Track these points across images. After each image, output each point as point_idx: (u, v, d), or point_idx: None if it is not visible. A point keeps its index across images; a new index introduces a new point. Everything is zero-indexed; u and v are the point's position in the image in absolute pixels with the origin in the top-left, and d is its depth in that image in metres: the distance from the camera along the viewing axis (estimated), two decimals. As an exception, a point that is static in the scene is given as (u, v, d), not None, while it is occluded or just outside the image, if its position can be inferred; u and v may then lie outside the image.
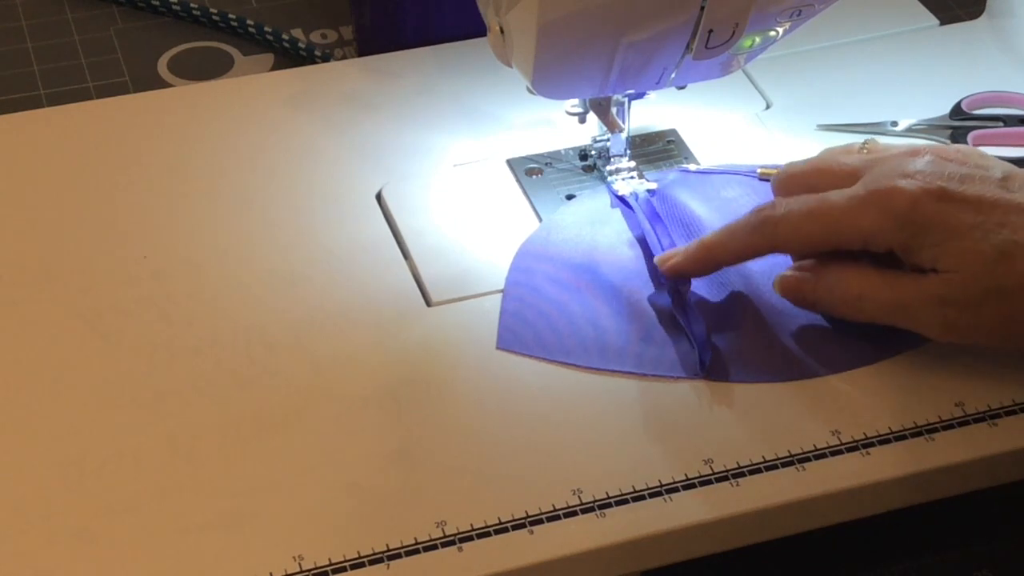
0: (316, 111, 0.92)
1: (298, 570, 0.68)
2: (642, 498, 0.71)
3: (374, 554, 0.68)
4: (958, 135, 0.89)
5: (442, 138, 0.90)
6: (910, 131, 0.90)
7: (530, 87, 0.80)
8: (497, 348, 0.77)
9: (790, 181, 0.79)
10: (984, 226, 0.72)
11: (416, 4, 0.97)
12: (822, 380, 0.76)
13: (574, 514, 0.70)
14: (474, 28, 0.86)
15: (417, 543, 0.69)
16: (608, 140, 0.87)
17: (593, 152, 0.88)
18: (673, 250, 0.79)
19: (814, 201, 0.75)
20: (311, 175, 0.88)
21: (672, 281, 0.79)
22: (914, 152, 0.76)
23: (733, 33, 0.77)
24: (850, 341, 0.77)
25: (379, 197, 0.86)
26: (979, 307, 0.72)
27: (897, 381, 0.76)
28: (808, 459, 0.72)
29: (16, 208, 0.86)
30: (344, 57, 1.01)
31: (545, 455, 0.72)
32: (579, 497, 0.71)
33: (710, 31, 0.76)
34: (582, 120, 0.85)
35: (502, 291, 0.80)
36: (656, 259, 0.79)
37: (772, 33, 0.80)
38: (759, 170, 0.87)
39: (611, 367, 0.76)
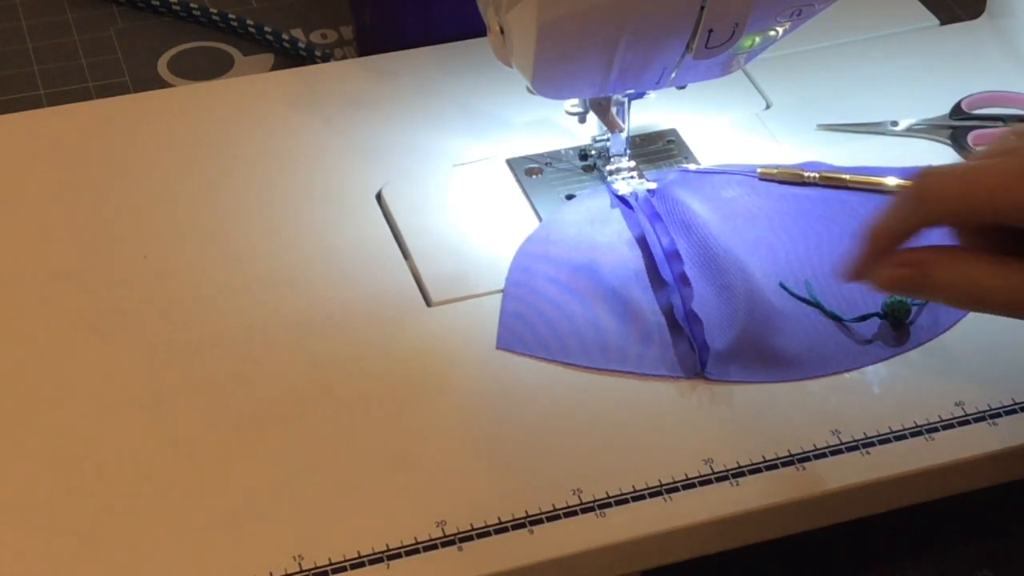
0: (316, 111, 0.92)
1: (298, 570, 0.68)
2: (642, 498, 0.71)
3: (374, 554, 0.68)
4: (958, 135, 0.90)
5: (442, 138, 0.90)
6: (910, 131, 0.90)
7: (530, 87, 0.80)
8: (497, 348, 0.78)
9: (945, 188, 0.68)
10: None
11: (416, 4, 0.97)
12: (822, 380, 0.76)
13: (574, 514, 0.70)
14: (474, 28, 0.86)
15: (417, 543, 0.69)
16: (608, 140, 0.87)
17: (593, 152, 0.88)
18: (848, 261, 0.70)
19: (979, 165, 0.67)
20: (311, 175, 0.88)
21: (673, 284, 0.79)
22: None
23: (733, 33, 0.77)
24: (850, 342, 0.77)
25: (379, 197, 0.86)
26: None
27: (897, 381, 0.76)
28: (808, 459, 0.72)
29: (16, 208, 0.86)
30: (344, 57, 1.01)
31: (545, 455, 0.72)
32: (579, 497, 0.71)
33: (710, 31, 0.76)
34: (582, 120, 0.85)
35: (502, 291, 0.80)
36: (842, 277, 0.70)
37: (772, 33, 0.80)
38: (759, 170, 0.87)
39: (611, 367, 0.76)
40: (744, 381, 0.76)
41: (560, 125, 0.89)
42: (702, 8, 0.75)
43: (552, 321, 0.78)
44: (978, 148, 0.72)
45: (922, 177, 0.67)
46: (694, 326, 0.77)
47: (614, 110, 0.84)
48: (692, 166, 0.88)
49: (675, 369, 0.76)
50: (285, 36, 1.02)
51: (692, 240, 0.82)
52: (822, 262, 0.82)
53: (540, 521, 0.70)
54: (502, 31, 0.78)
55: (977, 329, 0.78)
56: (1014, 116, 0.90)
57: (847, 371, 0.76)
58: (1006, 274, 0.67)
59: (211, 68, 1.01)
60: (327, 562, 0.68)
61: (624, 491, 0.71)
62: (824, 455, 0.73)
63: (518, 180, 0.87)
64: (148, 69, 1.00)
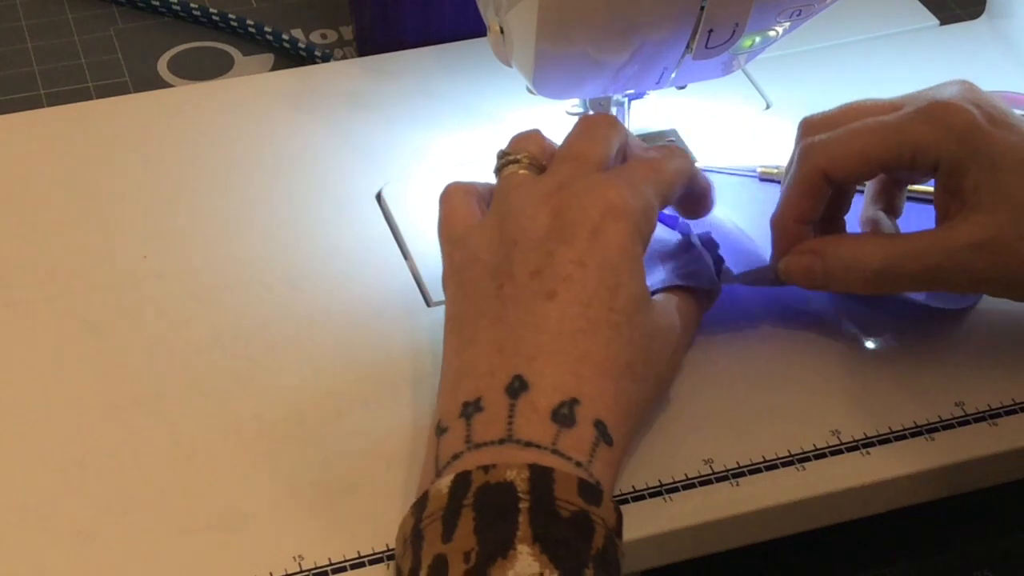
0: (316, 111, 0.92)
1: (298, 570, 0.68)
2: (643, 498, 0.71)
3: (374, 554, 0.68)
4: (958, 135, 0.89)
5: (442, 138, 0.90)
6: (910, 131, 0.90)
7: (530, 87, 0.80)
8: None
9: (820, 123, 0.77)
10: None
11: (416, 4, 0.97)
12: (822, 380, 0.76)
13: (574, 514, 0.70)
14: (474, 28, 0.86)
15: (417, 543, 0.69)
16: (608, 140, 0.87)
17: (593, 152, 0.88)
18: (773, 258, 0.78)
19: (861, 121, 0.74)
20: (311, 175, 0.88)
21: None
22: (950, 83, 0.75)
23: (733, 33, 0.77)
24: None
25: (379, 197, 0.86)
26: (1010, 252, 0.71)
27: (897, 381, 0.76)
28: (808, 459, 0.72)
29: (16, 208, 0.86)
30: (344, 57, 1.01)
31: (545, 455, 0.72)
32: (579, 497, 0.70)
33: (710, 31, 0.76)
34: (582, 120, 0.85)
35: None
36: (780, 272, 0.77)
37: (772, 33, 0.79)
38: (759, 169, 0.87)
39: None
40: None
41: (560, 125, 0.88)
42: (702, 8, 0.75)
43: None
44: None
45: (801, 147, 0.75)
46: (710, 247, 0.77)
47: (614, 110, 0.84)
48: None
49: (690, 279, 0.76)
50: (285, 36, 1.02)
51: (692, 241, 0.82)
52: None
53: (540, 521, 0.70)
54: (502, 31, 0.78)
55: (977, 329, 0.78)
56: (1014, 116, 0.90)
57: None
58: (886, 243, 0.74)
59: (211, 68, 1.01)
60: (327, 562, 0.68)
61: (624, 491, 0.71)
62: (824, 455, 0.73)
63: (518, 180, 0.87)
64: (148, 69, 1.00)
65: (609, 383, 0.67)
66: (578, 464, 0.65)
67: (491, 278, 0.70)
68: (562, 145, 0.75)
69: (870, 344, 0.78)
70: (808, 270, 0.75)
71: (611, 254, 0.69)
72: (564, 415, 0.66)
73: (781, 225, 0.76)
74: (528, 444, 0.65)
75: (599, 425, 0.66)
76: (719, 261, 0.77)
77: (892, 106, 0.76)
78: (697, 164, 0.88)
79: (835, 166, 0.74)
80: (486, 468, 0.64)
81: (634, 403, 0.69)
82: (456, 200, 0.75)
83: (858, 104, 0.77)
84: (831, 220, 0.78)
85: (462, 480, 0.64)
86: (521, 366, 0.67)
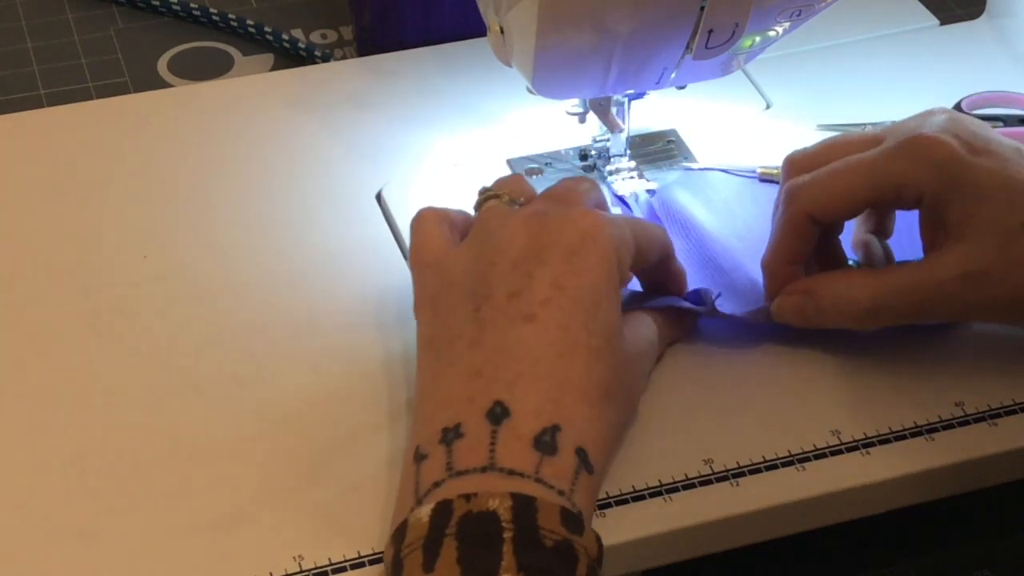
0: (316, 111, 0.92)
1: (298, 570, 0.68)
2: (642, 498, 0.71)
3: (374, 554, 0.68)
4: (958, 135, 0.89)
5: (442, 138, 0.90)
6: (910, 131, 0.90)
7: (530, 87, 0.80)
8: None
9: (803, 162, 0.77)
10: (1011, 189, 0.72)
11: (416, 4, 0.97)
12: (822, 380, 0.76)
13: (574, 514, 0.70)
14: (474, 28, 0.86)
15: (417, 543, 0.69)
16: (608, 140, 0.87)
17: (593, 152, 0.88)
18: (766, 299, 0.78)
19: (843, 160, 0.75)
20: (311, 175, 0.88)
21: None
22: (929, 112, 0.76)
23: (733, 33, 0.77)
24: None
25: (379, 197, 0.86)
26: (999, 282, 0.72)
27: (897, 381, 0.76)
28: (808, 459, 0.72)
29: (16, 208, 0.86)
30: (344, 57, 1.01)
31: (545, 455, 0.72)
32: (579, 497, 0.70)
33: (710, 31, 0.76)
34: (582, 120, 0.85)
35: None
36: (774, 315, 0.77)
37: (772, 33, 0.79)
38: (759, 170, 0.87)
39: None
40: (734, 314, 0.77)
41: (560, 125, 0.89)
42: (702, 8, 0.75)
43: None
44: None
45: (785, 190, 0.76)
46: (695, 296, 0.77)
47: (614, 110, 0.84)
48: (694, 165, 0.88)
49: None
50: (285, 36, 1.02)
51: (691, 240, 0.82)
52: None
53: (540, 521, 0.70)
54: (502, 31, 0.78)
55: (977, 329, 0.78)
56: (1014, 116, 0.90)
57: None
58: (874, 280, 0.74)
59: (211, 68, 1.01)
60: (327, 562, 0.68)
61: (624, 491, 0.71)
62: (824, 455, 0.73)
63: (518, 180, 0.87)
64: (148, 69, 1.00)
65: (589, 409, 0.67)
66: (560, 493, 0.64)
67: (467, 300, 0.70)
68: (542, 192, 0.75)
69: (870, 344, 0.78)
70: (800, 310, 0.76)
71: (589, 277, 0.69)
72: (546, 443, 0.65)
73: (772, 268, 0.77)
74: (511, 472, 0.64)
75: (580, 453, 0.66)
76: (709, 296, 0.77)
77: (873, 140, 0.76)
78: (697, 164, 0.88)
79: (820, 208, 0.75)
80: (468, 497, 0.63)
81: (613, 428, 0.69)
82: (429, 225, 0.74)
83: (839, 140, 0.78)
84: (825, 243, 0.78)
85: (443, 509, 0.63)
86: (501, 392, 0.66)
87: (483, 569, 0.61)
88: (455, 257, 0.72)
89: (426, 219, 0.75)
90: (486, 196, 0.75)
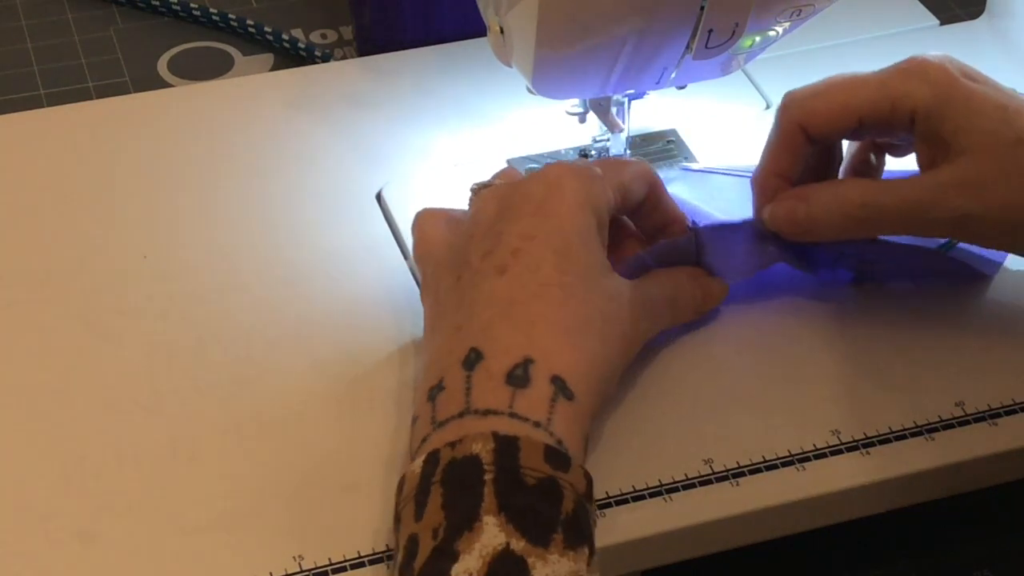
0: (316, 111, 0.92)
1: (298, 570, 0.68)
2: (642, 498, 0.71)
3: (374, 554, 0.68)
4: (958, 135, 0.89)
5: (442, 138, 0.90)
6: (910, 131, 0.90)
7: (530, 87, 0.80)
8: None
9: (801, 101, 0.77)
10: (1006, 110, 0.73)
11: (416, 4, 0.97)
12: (822, 380, 0.76)
13: (574, 514, 0.70)
14: (474, 28, 0.86)
15: (417, 543, 0.69)
16: (608, 140, 0.87)
17: (593, 152, 0.88)
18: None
19: (839, 76, 0.76)
20: (311, 175, 0.88)
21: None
22: (927, 54, 0.76)
23: (733, 33, 0.77)
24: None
25: (379, 197, 0.86)
26: (991, 191, 0.72)
27: (897, 381, 0.76)
28: (808, 459, 0.72)
29: (16, 208, 0.86)
30: (344, 57, 1.01)
31: (545, 455, 0.72)
32: (579, 497, 0.70)
33: (710, 31, 0.76)
34: (582, 120, 0.85)
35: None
36: (766, 220, 0.77)
37: (772, 33, 0.79)
38: (759, 170, 0.87)
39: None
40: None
41: (560, 125, 0.89)
42: (702, 8, 0.75)
43: None
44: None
45: (781, 102, 0.76)
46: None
47: (614, 110, 0.84)
48: (694, 165, 0.88)
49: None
50: (285, 36, 1.02)
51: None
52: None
53: (540, 521, 0.70)
54: (502, 31, 0.78)
55: (977, 329, 0.78)
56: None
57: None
58: (867, 182, 0.76)
59: (211, 68, 1.01)
60: (327, 562, 0.68)
61: (624, 491, 0.71)
62: (824, 455, 0.73)
63: (518, 180, 0.87)
64: (148, 69, 1.00)
65: (564, 339, 0.68)
66: (536, 424, 0.65)
67: (451, 273, 0.72)
68: None
69: (870, 344, 0.78)
70: (792, 214, 0.76)
71: (558, 221, 0.70)
72: (518, 376, 0.66)
73: (761, 181, 0.77)
74: (487, 412, 0.66)
75: (556, 380, 0.67)
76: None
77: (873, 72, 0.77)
78: (697, 164, 0.88)
79: (813, 119, 0.75)
80: (452, 444, 0.64)
81: (595, 357, 0.69)
82: (428, 223, 0.76)
83: (842, 76, 0.78)
84: (821, 171, 0.78)
85: (431, 459, 0.64)
86: (476, 338, 0.68)
87: (465, 511, 0.62)
88: (444, 242, 0.74)
89: (424, 218, 0.77)
90: (480, 187, 0.76)
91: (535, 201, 0.71)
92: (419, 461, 0.65)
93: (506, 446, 0.64)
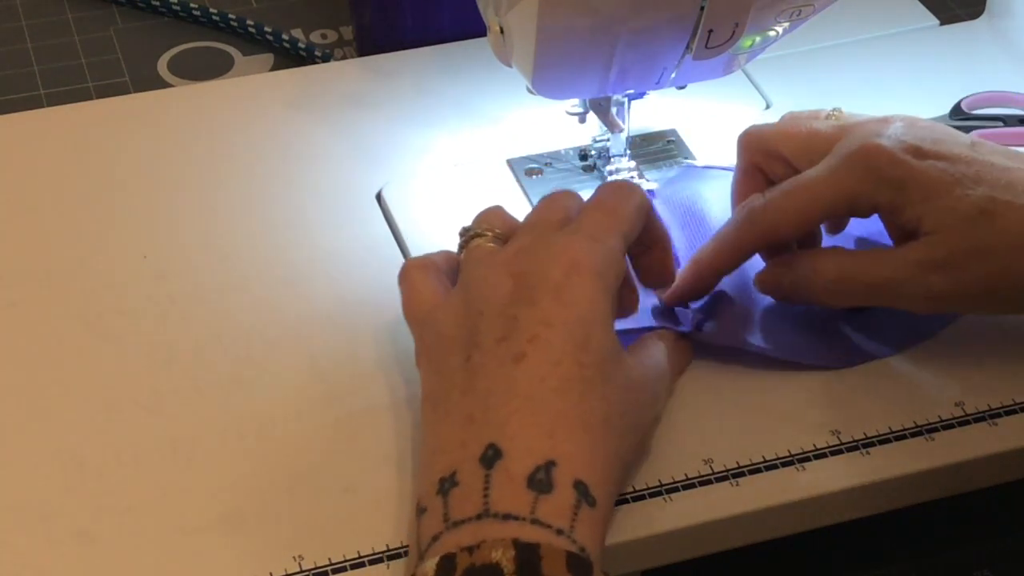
0: (316, 111, 0.92)
1: (298, 570, 0.68)
2: (642, 498, 0.71)
3: (374, 554, 0.68)
4: (958, 135, 0.89)
5: (442, 138, 0.90)
6: (910, 131, 0.90)
7: (530, 87, 0.80)
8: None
9: (757, 141, 0.79)
10: (962, 183, 0.72)
11: (416, 4, 0.97)
12: (822, 380, 0.76)
13: (574, 514, 0.70)
14: (474, 28, 0.86)
15: (417, 543, 0.69)
16: (608, 140, 0.87)
17: (593, 152, 0.88)
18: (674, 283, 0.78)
19: (792, 181, 0.76)
20: (311, 175, 0.88)
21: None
22: (885, 120, 0.76)
23: (733, 33, 0.77)
24: (842, 337, 0.78)
25: (379, 197, 0.86)
26: (963, 268, 0.72)
27: (897, 381, 0.76)
28: (808, 459, 0.72)
29: (16, 208, 0.86)
30: (344, 57, 1.01)
31: (545, 455, 0.72)
32: (579, 497, 0.70)
33: (710, 31, 0.76)
34: (582, 120, 0.85)
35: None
36: (664, 299, 0.78)
37: (772, 33, 0.80)
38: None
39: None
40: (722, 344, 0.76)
41: (560, 125, 0.89)
42: (702, 8, 0.75)
43: None
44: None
45: (742, 214, 0.76)
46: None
47: (614, 110, 0.84)
48: (696, 163, 0.88)
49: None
50: (285, 36, 1.02)
51: (688, 231, 0.82)
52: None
53: (540, 521, 0.70)
54: (502, 31, 0.78)
55: (977, 329, 0.78)
56: (1014, 116, 0.90)
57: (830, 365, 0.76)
58: (844, 256, 0.75)
59: (211, 68, 1.01)
60: (327, 562, 0.68)
61: (624, 491, 0.71)
62: (824, 455, 0.73)
63: (518, 180, 0.87)
64: (148, 69, 1.00)
65: (586, 439, 0.65)
66: (559, 532, 0.63)
67: (459, 351, 0.68)
68: (524, 219, 0.74)
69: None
70: (778, 281, 0.77)
71: (577, 310, 0.67)
72: (540, 480, 0.64)
73: (702, 272, 0.77)
74: (507, 517, 0.63)
75: (579, 486, 0.64)
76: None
77: (826, 139, 0.76)
78: (696, 163, 0.88)
79: (775, 234, 0.76)
80: (470, 549, 0.62)
81: (615, 457, 0.67)
82: (416, 279, 0.73)
83: (794, 130, 0.78)
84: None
85: (447, 563, 0.62)
86: (494, 434, 0.65)
87: None
88: (445, 309, 0.71)
89: (411, 272, 0.74)
90: (469, 236, 0.74)
91: (554, 284, 0.68)
92: (431, 563, 0.62)
93: (527, 554, 0.61)
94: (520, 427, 0.65)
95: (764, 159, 0.79)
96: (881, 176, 0.73)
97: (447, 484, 0.65)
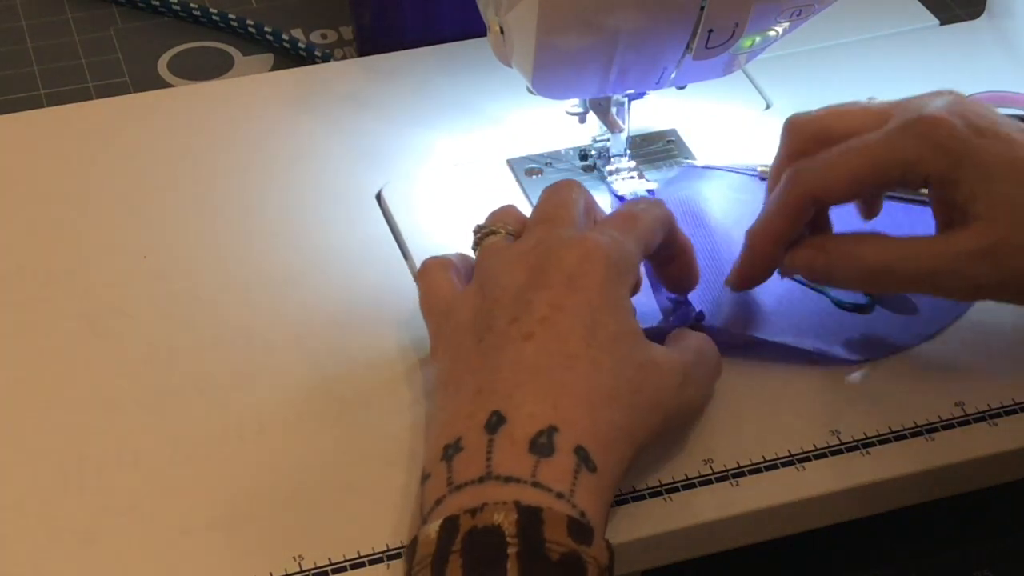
0: (316, 111, 0.92)
1: (298, 570, 0.68)
2: (643, 498, 0.71)
3: (374, 554, 0.68)
4: (958, 135, 0.89)
5: (442, 138, 0.90)
6: (910, 131, 0.90)
7: (530, 87, 0.80)
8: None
9: (806, 124, 0.77)
10: (1019, 176, 0.71)
11: (416, 4, 0.97)
12: (822, 380, 0.76)
13: (574, 514, 0.70)
14: (474, 28, 0.86)
15: (417, 543, 0.69)
16: (608, 140, 0.87)
17: (593, 152, 0.88)
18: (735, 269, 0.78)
19: (846, 143, 0.74)
20: (311, 175, 0.88)
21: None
22: (937, 94, 0.75)
23: (733, 33, 0.77)
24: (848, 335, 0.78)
25: (379, 197, 0.86)
26: (1009, 258, 0.71)
27: (897, 381, 0.76)
28: (808, 459, 0.72)
29: (16, 208, 0.86)
30: (344, 57, 1.01)
31: (545, 455, 0.72)
32: (579, 497, 0.70)
33: (710, 31, 0.76)
34: (582, 120, 0.85)
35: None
36: (726, 284, 0.78)
37: (772, 33, 0.80)
38: (759, 169, 0.87)
39: None
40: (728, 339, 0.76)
41: (560, 125, 0.89)
42: (702, 8, 0.75)
43: None
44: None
45: (789, 174, 0.75)
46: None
47: (614, 110, 0.84)
48: (696, 163, 0.88)
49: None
50: (285, 36, 1.02)
51: (688, 227, 0.82)
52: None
53: (540, 521, 0.70)
54: (502, 31, 0.78)
55: (977, 329, 0.78)
56: (1014, 116, 0.90)
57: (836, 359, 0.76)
58: (885, 243, 0.74)
59: (211, 68, 1.01)
60: (327, 562, 0.68)
61: (624, 491, 0.71)
62: (824, 455, 0.73)
63: (518, 180, 0.87)
64: (148, 69, 1.00)
65: (589, 409, 0.66)
66: (559, 495, 0.63)
67: (472, 334, 0.70)
68: (532, 213, 0.75)
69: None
70: (811, 263, 0.75)
71: (588, 296, 0.68)
72: (542, 444, 0.64)
73: (757, 246, 0.76)
74: (508, 479, 0.64)
75: (580, 451, 0.65)
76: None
77: (878, 116, 0.75)
78: (696, 163, 0.88)
79: (825, 192, 0.75)
80: (473, 511, 0.62)
81: (620, 430, 0.67)
82: (434, 274, 0.75)
83: (844, 110, 0.77)
84: (816, 217, 0.77)
85: (450, 525, 0.63)
86: (499, 402, 0.66)
87: None
88: (462, 300, 0.72)
89: (430, 268, 0.75)
90: (484, 233, 0.74)
91: (566, 271, 0.69)
92: (435, 525, 0.63)
93: (529, 517, 0.62)
94: (525, 396, 0.66)
95: (813, 144, 0.76)
96: (939, 146, 0.72)
97: (451, 450, 0.66)
